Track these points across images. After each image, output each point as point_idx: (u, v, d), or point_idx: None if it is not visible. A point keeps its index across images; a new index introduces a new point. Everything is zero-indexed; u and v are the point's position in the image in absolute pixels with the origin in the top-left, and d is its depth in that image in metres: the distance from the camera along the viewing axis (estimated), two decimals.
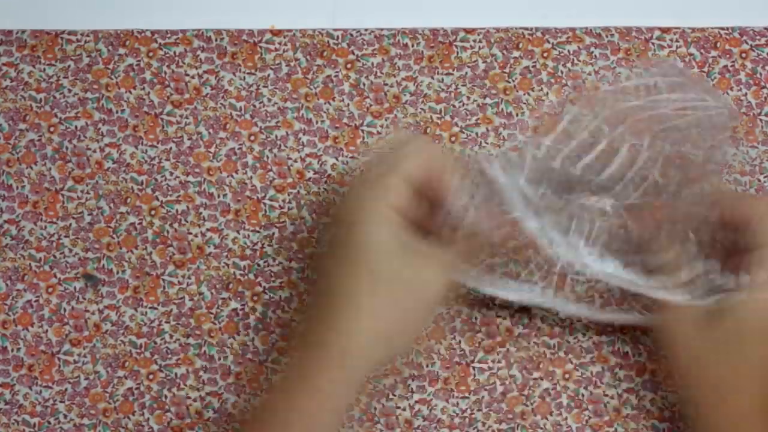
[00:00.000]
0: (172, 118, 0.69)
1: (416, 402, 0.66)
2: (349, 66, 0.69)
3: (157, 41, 0.69)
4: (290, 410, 0.57)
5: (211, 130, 0.68)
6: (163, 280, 0.67)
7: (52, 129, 0.68)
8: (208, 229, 0.68)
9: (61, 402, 0.66)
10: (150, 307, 0.67)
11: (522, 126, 0.68)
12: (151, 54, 0.69)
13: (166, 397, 0.66)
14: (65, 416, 0.66)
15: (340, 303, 0.57)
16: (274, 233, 0.68)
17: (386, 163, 0.59)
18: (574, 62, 0.68)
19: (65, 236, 0.67)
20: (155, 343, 0.67)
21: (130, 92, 0.69)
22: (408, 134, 0.67)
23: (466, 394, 0.66)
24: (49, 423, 0.66)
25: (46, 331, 0.67)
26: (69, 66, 0.69)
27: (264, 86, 0.69)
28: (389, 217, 0.57)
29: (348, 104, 0.68)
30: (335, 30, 0.69)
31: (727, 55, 0.68)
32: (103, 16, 0.70)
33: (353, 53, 0.69)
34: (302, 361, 0.57)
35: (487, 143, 0.68)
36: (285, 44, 0.69)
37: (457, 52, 0.69)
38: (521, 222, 0.59)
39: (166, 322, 0.67)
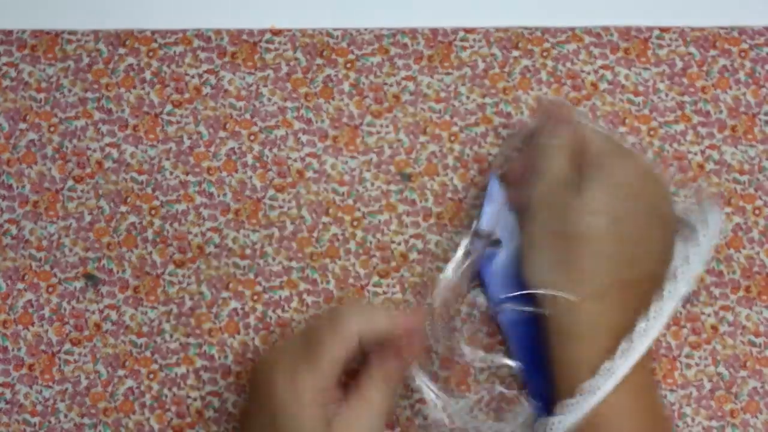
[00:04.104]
0: (172, 118, 0.69)
1: (416, 401, 0.66)
2: (349, 66, 0.69)
3: (157, 41, 0.69)
4: None
5: (211, 130, 0.68)
6: (163, 279, 0.67)
7: (52, 129, 0.68)
8: (208, 229, 0.68)
9: (61, 401, 0.66)
10: (150, 307, 0.67)
11: (521, 126, 0.68)
12: (151, 54, 0.69)
13: (166, 396, 0.67)
14: (66, 416, 0.66)
15: None
16: (274, 233, 0.68)
17: (316, 339, 0.59)
18: (574, 62, 0.69)
19: (65, 236, 0.68)
20: (155, 342, 0.67)
21: (130, 92, 0.69)
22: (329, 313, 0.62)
23: (466, 393, 0.66)
24: (50, 422, 0.66)
25: (47, 330, 0.67)
26: (69, 66, 0.69)
27: (264, 86, 0.69)
28: (316, 405, 0.57)
29: (348, 104, 0.69)
30: (335, 30, 0.69)
31: (726, 55, 0.69)
32: (103, 16, 0.70)
33: (353, 53, 0.69)
34: None
35: (486, 143, 0.68)
36: (285, 44, 0.69)
37: (457, 52, 0.69)
38: None
39: (167, 322, 0.67)
